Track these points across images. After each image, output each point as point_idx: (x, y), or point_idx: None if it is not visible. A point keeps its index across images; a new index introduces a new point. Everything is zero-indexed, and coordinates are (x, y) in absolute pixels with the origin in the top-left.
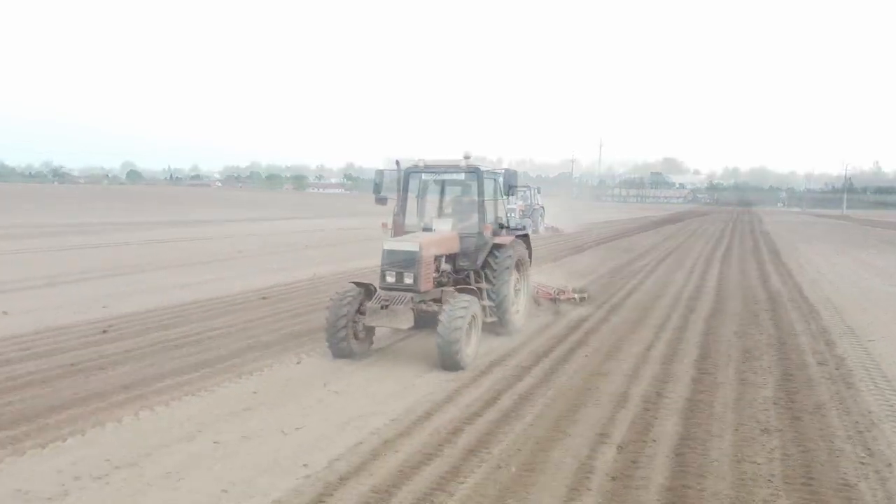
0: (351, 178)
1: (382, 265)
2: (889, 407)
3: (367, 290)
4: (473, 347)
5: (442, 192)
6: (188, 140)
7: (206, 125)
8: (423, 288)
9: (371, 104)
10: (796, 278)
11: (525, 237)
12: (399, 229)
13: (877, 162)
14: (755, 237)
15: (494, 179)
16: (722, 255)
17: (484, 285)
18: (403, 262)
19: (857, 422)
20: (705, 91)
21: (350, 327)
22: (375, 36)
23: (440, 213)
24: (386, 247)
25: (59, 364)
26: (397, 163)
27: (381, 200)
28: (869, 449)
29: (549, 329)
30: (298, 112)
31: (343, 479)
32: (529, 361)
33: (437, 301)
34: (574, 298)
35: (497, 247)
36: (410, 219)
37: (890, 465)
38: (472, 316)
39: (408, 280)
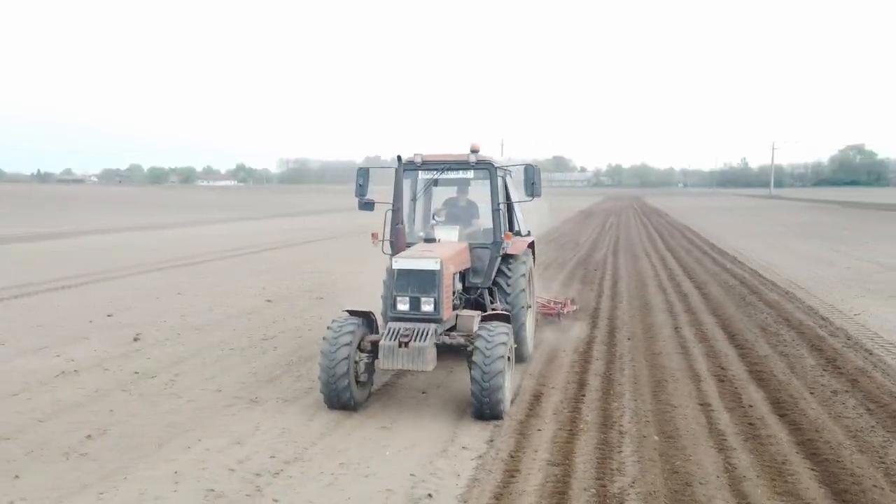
0: (244, 181)
1: (393, 290)
2: None
3: (368, 321)
4: (511, 388)
5: (429, 193)
6: (61, 144)
7: (83, 128)
8: (445, 316)
9: (260, 105)
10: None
11: (531, 245)
12: (402, 242)
13: (744, 158)
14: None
15: (503, 177)
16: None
17: (499, 305)
18: (421, 284)
19: None
20: (589, 94)
21: (352, 371)
22: (257, 36)
23: (435, 218)
24: (397, 266)
25: (123, 374)
26: (399, 158)
27: (367, 206)
28: None
29: (573, 317)
30: (184, 115)
31: (514, 457)
32: (583, 346)
33: (453, 330)
34: (573, 310)
35: (508, 257)
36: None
37: None
38: (510, 349)
39: (427, 307)
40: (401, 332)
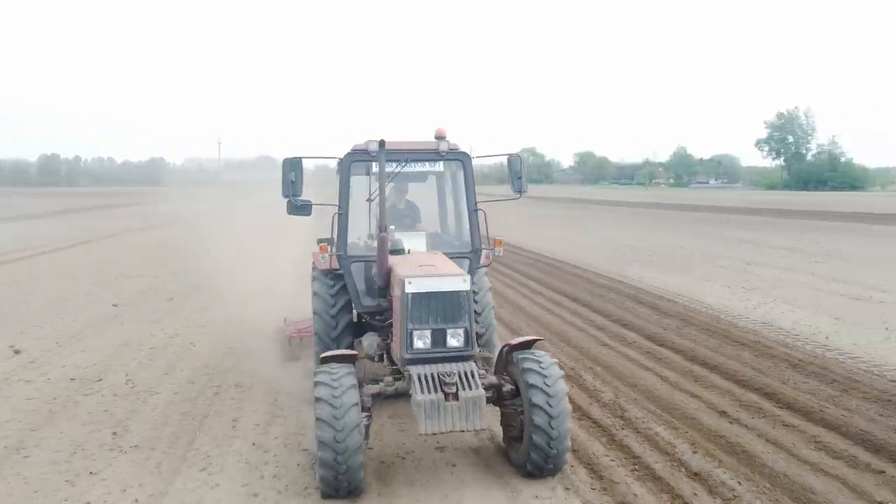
0: None
1: (407, 321)
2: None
3: (355, 366)
4: None
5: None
6: None
7: None
8: (475, 350)
9: None
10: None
11: None
12: (385, 254)
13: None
14: None
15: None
16: None
17: (478, 328)
18: (446, 311)
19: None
20: (305, 93)
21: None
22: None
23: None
24: (412, 289)
25: (61, 382)
26: (381, 144)
27: (302, 209)
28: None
29: None
30: None
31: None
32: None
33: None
34: None
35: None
36: (352, 233)
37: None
38: None
39: (455, 341)
40: (439, 378)
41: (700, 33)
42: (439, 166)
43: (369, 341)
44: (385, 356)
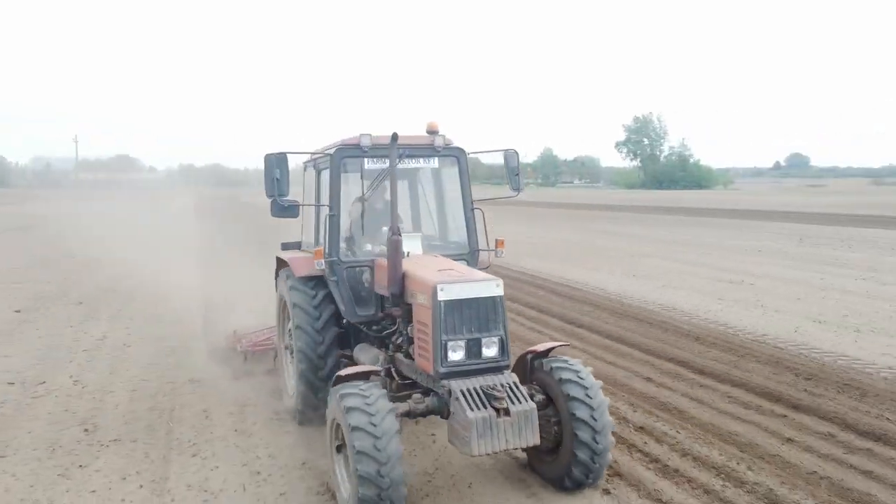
0: None
1: (441, 332)
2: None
3: (386, 384)
4: None
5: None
6: None
7: None
8: (510, 360)
9: None
10: None
11: None
12: (399, 258)
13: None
14: None
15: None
16: None
17: None
18: (480, 319)
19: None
20: (155, 93)
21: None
22: None
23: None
24: (444, 296)
25: None
26: (393, 137)
27: (290, 210)
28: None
29: None
30: None
31: None
32: None
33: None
34: None
35: None
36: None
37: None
38: None
39: (490, 351)
40: (485, 393)
41: (564, 40)
42: (434, 162)
43: (371, 355)
44: (393, 370)
